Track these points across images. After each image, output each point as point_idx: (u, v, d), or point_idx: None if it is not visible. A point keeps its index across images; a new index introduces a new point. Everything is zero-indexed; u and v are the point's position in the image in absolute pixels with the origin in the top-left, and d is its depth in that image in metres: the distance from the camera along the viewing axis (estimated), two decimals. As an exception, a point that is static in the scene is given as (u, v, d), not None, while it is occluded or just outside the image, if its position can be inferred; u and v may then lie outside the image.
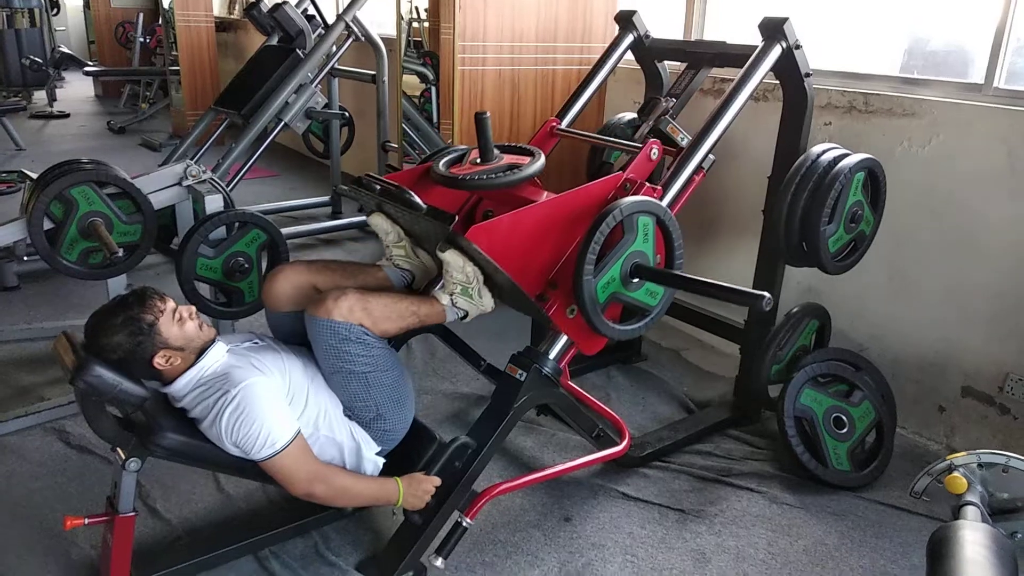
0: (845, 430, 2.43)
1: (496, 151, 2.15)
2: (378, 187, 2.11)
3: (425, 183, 2.27)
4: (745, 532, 2.22)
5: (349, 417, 1.99)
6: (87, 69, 8.55)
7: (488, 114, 2.08)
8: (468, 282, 1.99)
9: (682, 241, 2.04)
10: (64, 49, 8.74)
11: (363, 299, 1.90)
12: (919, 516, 2.29)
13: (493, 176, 2.06)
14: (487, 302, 2.04)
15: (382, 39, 4.54)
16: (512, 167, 2.09)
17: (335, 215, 5.22)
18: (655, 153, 2.18)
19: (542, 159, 2.12)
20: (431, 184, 2.23)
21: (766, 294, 1.81)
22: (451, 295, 2.02)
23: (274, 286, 2.09)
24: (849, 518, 2.29)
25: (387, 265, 2.25)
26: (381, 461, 2.03)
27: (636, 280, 2.00)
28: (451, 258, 1.94)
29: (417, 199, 1.99)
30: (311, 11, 4.73)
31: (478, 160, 2.16)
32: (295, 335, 2.08)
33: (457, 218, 1.91)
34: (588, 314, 1.93)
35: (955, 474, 1.49)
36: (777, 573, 2.07)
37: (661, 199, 2.10)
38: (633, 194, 2.04)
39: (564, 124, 2.64)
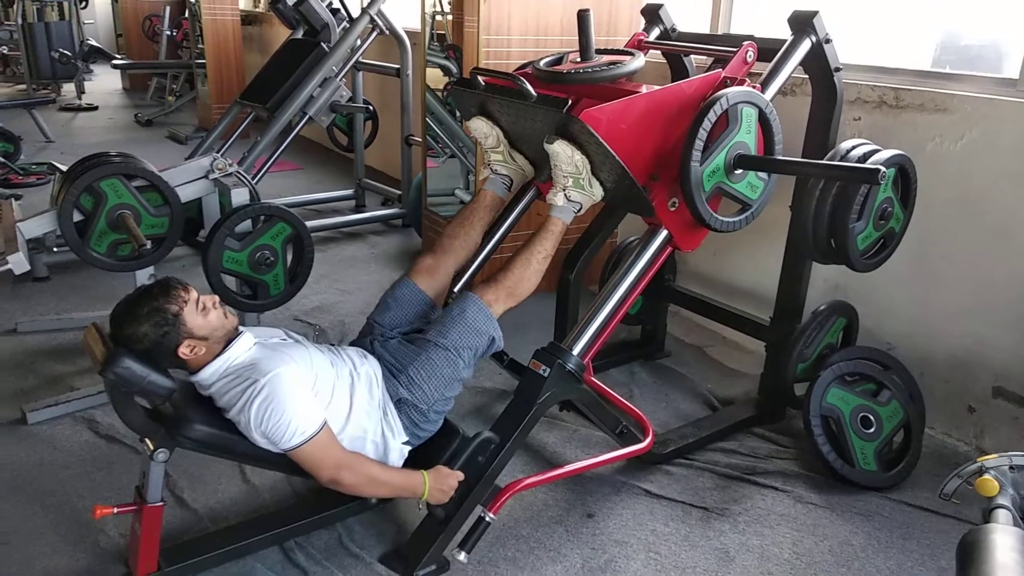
0: (872, 430, 2.40)
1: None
2: (483, 83, 2.15)
3: None
4: (770, 531, 2.20)
5: (400, 403, 2.01)
6: (115, 62, 8.65)
7: (590, 10, 2.13)
8: (578, 172, 2.04)
9: (781, 136, 2.09)
10: (92, 42, 8.85)
11: (508, 287, 2.09)
12: (948, 518, 2.25)
13: (598, 70, 2.08)
14: (597, 191, 2.11)
15: (406, 32, 4.55)
16: (614, 64, 2.12)
17: (359, 208, 5.24)
18: (751, 55, 2.20)
19: (642, 57, 2.18)
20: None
21: (881, 168, 1.83)
22: (564, 190, 2.09)
23: (425, 269, 2.25)
24: (876, 519, 2.26)
25: (486, 175, 2.34)
26: (407, 450, 2.04)
27: (739, 171, 2.05)
28: (559, 148, 1.99)
29: (529, 87, 2.02)
30: (336, 4, 4.74)
31: (577, 60, 2.19)
32: (408, 309, 2.19)
33: (570, 101, 1.93)
34: (694, 201, 1.98)
35: (986, 476, 1.46)
36: (802, 573, 2.06)
37: None
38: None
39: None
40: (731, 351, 3.30)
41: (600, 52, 2.26)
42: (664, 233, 2.17)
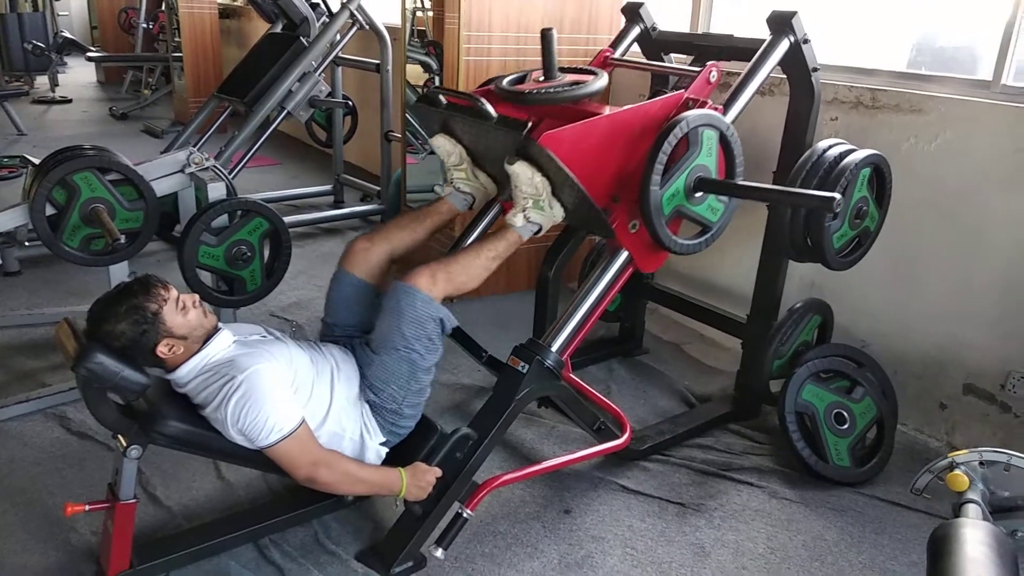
0: (846, 426, 2.43)
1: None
2: (445, 101, 2.13)
3: None
4: (745, 526, 2.22)
5: (371, 405, 2.00)
6: (89, 54, 8.52)
7: (554, 30, 2.11)
8: (538, 194, 2.02)
9: (743, 159, 2.09)
10: (66, 34, 8.72)
11: (447, 269, 2.01)
12: (919, 513, 2.29)
13: (559, 90, 2.07)
14: (558, 212, 2.08)
15: (386, 28, 4.52)
16: (576, 84, 2.10)
17: (337, 204, 5.20)
18: (714, 75, 2.19)
19: (605, 76, 2.16)
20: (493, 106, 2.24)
21: (836, 195, 1.84)
22: (523, 211, 2.06)
23: (358, 252, 2.19)
24: (849, 514, 2.29)
25: (449, 191, 2.30)
26: (384, 451, 2.03)
27: (699, 194, 2.04)
28: (520, 170, 1.97)
29: (489, 107, 2.00)
30: (315, -1, 4.71)
31: (540, 79, 2.17)
32: (355, 304, 2.15)
33: (530, 124, 1.92)
34: (653, 225, 1.97)
35: (956, 471, 1.48)
36: (776, 568, 2.08)
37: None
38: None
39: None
40: (708, 348, 3.32)
41: (564, 71, 2.23)
42: (624, 254, 2.16)
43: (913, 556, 2.12)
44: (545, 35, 2.10)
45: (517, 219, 2.08)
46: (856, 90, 2.76)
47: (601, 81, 2.13)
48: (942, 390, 2.66)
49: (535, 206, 2.05)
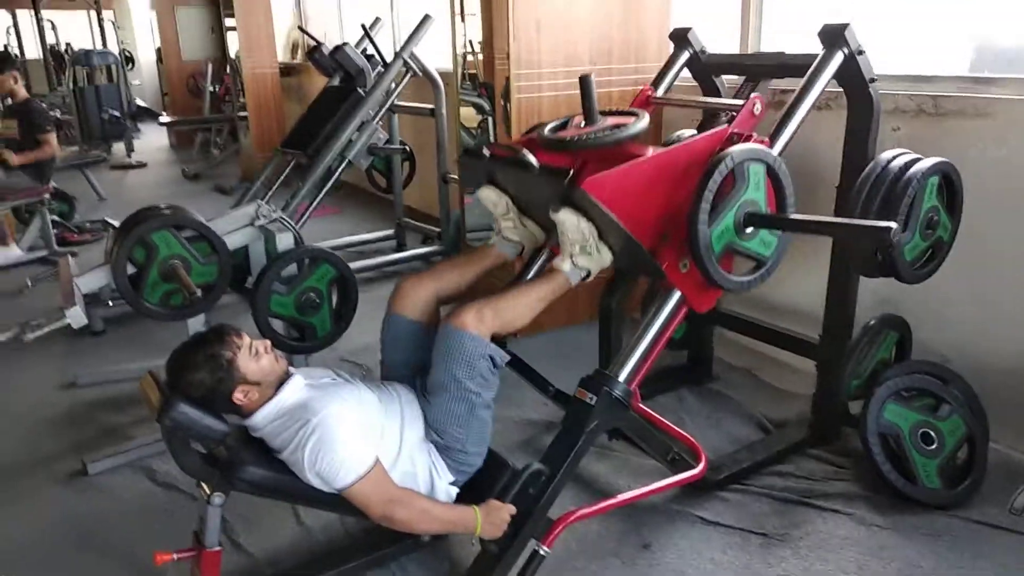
0: (934, 446, 2.33)
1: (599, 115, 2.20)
2: (489, 153, 2.17)
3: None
4: (833, 556, 2.13)
5: (435, 443, 2.01)
6: (161, 120, 8.97)
7: (592, 76, 2.13)
8: (584, 240, 2.03)
9: (793, 189, 2.04)
10: (140, 102, 9.22)
11: (494, 306, 2.02)
12: (1019, 535, 2.16)
13: (601, 135, 2.10)
14: (606, 256, 2.09)
15: (438, 73, 4.64)
16: (617, 127, 2.12)
17: (400, 248, 5.30)
18: (758, 108, 2.16)
19: (647, 117, 2.15)
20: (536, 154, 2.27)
21: (893, 224, 1.78)
22: (571, 256, 2.08)
23: (406, 292, 2.22)
24: (944, 538, 2.18)
25: (497, 240, 2.34)
26: (455, 491, 2.04)
27: (750, 230, 2.01)
28: (565, 217, 1.99)
29: (532, 158, 2.04)
30: (370, 50, 4.86)
31: (582, 124, 2.20)
32: (407, 345, 2.18)
33: (572, 172, 1.93)
34: (704, 263, 1.94)
35: (1058, 489, 1.41)
36: (869, 598, 1.99)
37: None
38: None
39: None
40: (781, 372, 3.23)
41: (604, 114, 2.23)
42: (677, 295, 2.12)
43: (1018, 581, 2.00)
44: (584, 81, 2.11)
45: (565, 264, 2.09)
46: (917, 98, 2.69)
47: (642, 122, 2.11)
48: (1036, 403, 2.52)
49: (582, 251, 2.06)
